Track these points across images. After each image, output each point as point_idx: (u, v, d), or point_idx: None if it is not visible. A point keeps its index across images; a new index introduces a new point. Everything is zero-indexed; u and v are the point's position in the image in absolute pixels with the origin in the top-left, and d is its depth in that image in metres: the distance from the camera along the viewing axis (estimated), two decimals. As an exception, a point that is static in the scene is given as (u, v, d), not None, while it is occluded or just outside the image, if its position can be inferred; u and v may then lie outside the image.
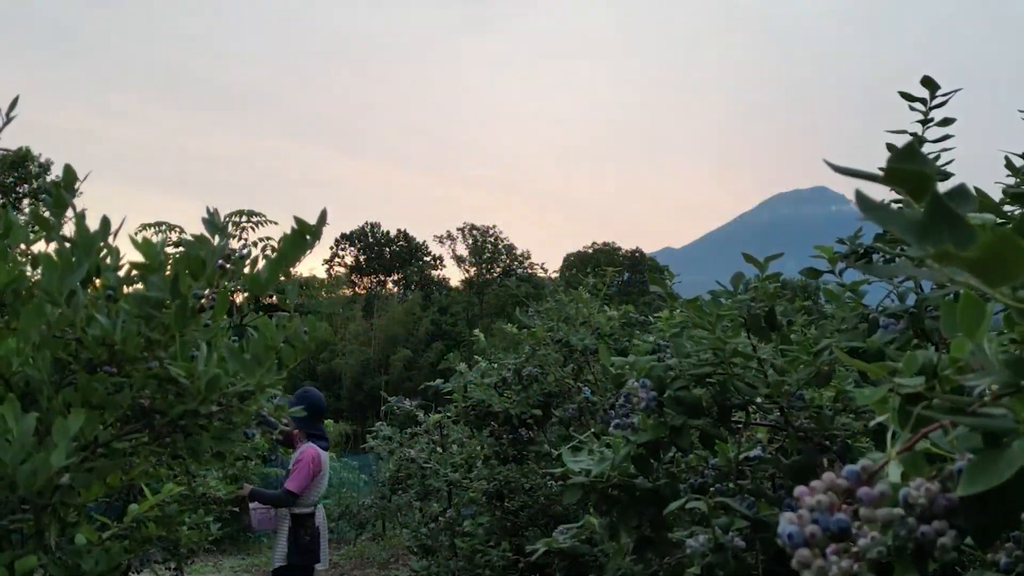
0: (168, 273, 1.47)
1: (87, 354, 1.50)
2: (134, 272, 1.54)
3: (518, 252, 44.60)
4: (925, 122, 1.65)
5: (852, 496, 0.68)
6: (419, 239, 46.13)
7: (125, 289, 1.59)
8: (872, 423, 0.82)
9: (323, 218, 1.53)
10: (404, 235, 45.82)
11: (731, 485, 1.70)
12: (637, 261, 48.46)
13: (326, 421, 9.89)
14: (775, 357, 1.53)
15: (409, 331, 33.21)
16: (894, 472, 0.72)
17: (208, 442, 1.70)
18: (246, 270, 1.56)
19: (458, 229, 44.42)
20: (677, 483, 1.60)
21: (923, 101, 1.64)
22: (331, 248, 44.04)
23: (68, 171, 1.76)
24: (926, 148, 1.71)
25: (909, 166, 0.69)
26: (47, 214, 1.75)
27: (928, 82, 1.60)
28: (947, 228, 0.57)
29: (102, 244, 1.57)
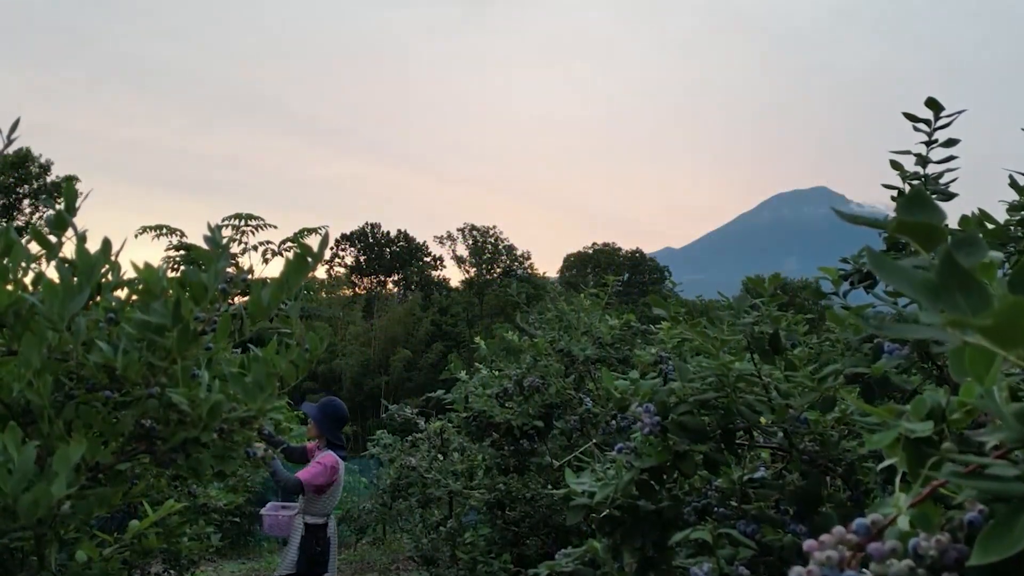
0: (170, 294, 1.47)
1: (87, 372, 1.50)
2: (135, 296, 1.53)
3: (518, 252, 44.59)
4: (930, 143, 1.64)
5: (862, 549, 0.67)
6: (419, 240, 46.12)
7: (129, 296, 1.59)
8: (881, 466, 0.82)
9: (325, 241, 1.52)
10: (404, 235, 45.80)
11: (734, 503, 1.69)
12: (637, 261, 48.47)
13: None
14: (779, 381, 1.52)
15: (409, 332, 33.20)
16: (903, 520, 0.72)
17: (209, 461, 1.70)
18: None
19: (458, 230, 44.40)
20: (680, 505, 1.59)
21: (927, 122, 1.63)
22: (331, 249, 44.03)
23: (70, 190, 1.75)
24: (930, 168, 1.71)
25: (919, 218, 0.68)
26: (48, 232, 1.74)
27: (932, 103, 1.59)
28: (959, 289, 0.57)
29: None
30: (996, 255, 0.90)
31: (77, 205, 1.77)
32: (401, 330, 32.78)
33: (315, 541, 4.20)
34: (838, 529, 0.66)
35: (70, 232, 1.71)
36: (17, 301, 1.54)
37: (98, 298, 1.63)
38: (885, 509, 0.69)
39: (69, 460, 1.21)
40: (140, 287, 1.53)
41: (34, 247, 1.74)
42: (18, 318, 1.58)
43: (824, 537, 0.66)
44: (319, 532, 4.24)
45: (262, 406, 1.42)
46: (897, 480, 0.78)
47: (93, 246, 1.57)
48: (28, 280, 1.61)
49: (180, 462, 1.64)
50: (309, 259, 1.43)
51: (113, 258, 1.64)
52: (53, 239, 1.71)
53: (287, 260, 1.45)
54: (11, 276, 1.59)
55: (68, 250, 1.69)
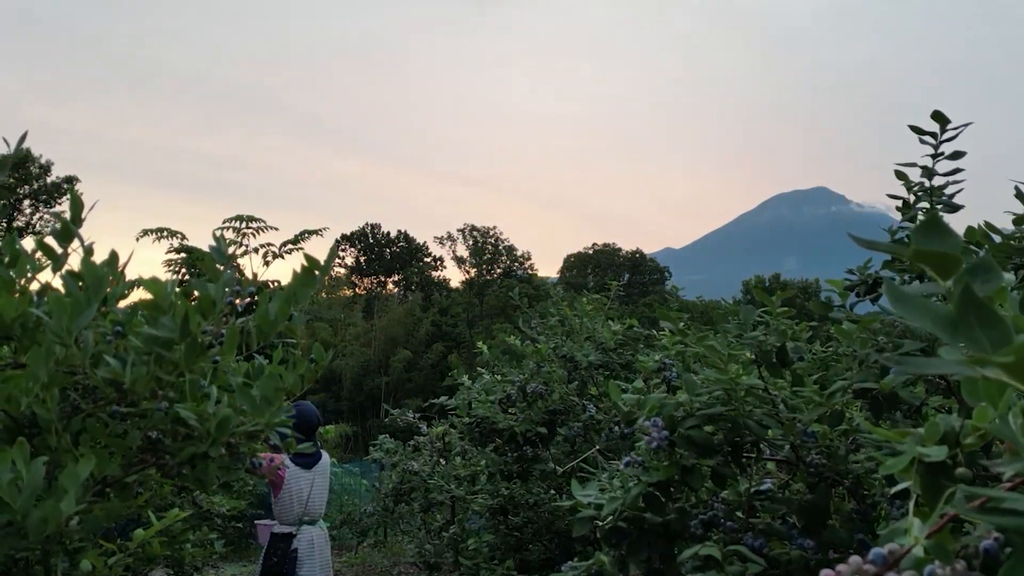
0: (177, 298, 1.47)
1: (94, 382, 1.50)
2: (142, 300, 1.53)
3: (518, 253, 44.58)
4: (936, 156, 1.64)
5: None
6: (419, 240, 46.10)
7: (135, 306, 1.59)
8: (894, 489, 0.82)
9: (332, 254, 1.52)
10: (404, 236, 45.79)
11: (740, 514, 1.69)
12: (637, 262, 48.46)
13: (326, 427, 9.82)
14: (785, 392, 1.52)
15: (409, 332, 33.20)
16: (918, 548, 0.72)
17: (215, 472, 1.70)
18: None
19: (458, 230, 44.38)
20: (687, 517, 1.59)
21: (934, 135, 1.63)
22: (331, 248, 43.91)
23: (75, 200, 1.75)
24: (937, 180, 1.71)
25: (935, 247, 0.68)
26: (54, 243, 1.74)
27: (938, 116, 1.59)
28: (979, 323, 0.57)
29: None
30: (1009, 277, 0.91)
31: (83, 216, 1.77)
32: (401, 330, 32.79)
33: (272, 551, 4.02)
34: (855, 559, 0.66)
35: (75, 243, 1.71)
36: (24, 313, 1.53)
37: (104, 308, 1.62)
38: (901, 538, 0.69)
39: (78, 477, 1.21)
40: (146, 300, 1.53)
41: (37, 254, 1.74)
42: (25, 330, 1.57)
43: (840, 567, 0.66)
44: (280, 542, 4.04)
45: (270, 420, 1.42)
46: (911, 505, 0.78)
47: (96, 246, 1.57)
48: (34, 287, 1.61)
49: (187, 473, 1.64)
50: (316, 272, 1.43)
51: (119, 269, 1.64)
52: (59, 249, 1.71)
53: (294, 272, 1.45)
54: (17, 287, 1.59)
55: (73, 260, 1.69)
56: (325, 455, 4.45)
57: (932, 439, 0.81)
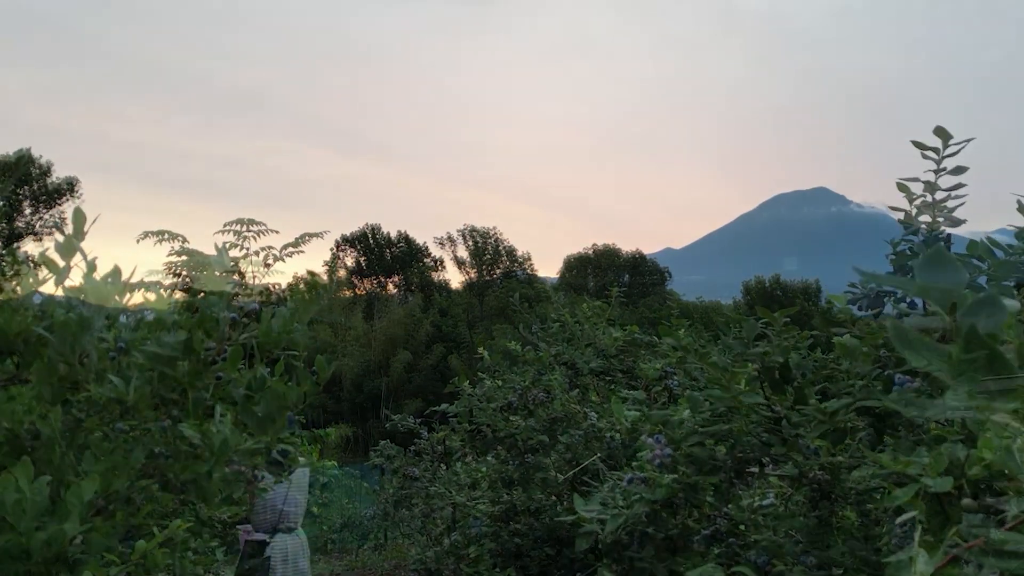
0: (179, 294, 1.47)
1: (97, 397, 1.50)
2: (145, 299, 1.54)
3: (519, 254, 44.57)
4: (938, 171, 1.65)
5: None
6: (420, 241, 46.07)
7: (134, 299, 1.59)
8: (900, 519, 0.82)
9: (334, 269, 1.53)
10: (405, 237, 45.76)
11: (743, 528, 1.69)
12: (638, 263, 48.44)
13: (327, 429, 9.80)
14: (790, 412, 1.52)
15: (409, 333, 33.20)
16: (923, 581, 0.72)
17: (218, 485, 1.70)
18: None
19: (458, 231, 44.34)
20: (690, 532, 1.59)
21: (936, 150, 1.63)
22: (331, 250, 43.92)
23: (77, 216, 1.75)
24: (939, 195, 1.71)
25: (939, 282, 0.68)
26: (57, 257, 1.74)
27: (941, 132, 1.60)
28: (985, 366, 0.57)
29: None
30: (1013, 304, 0.91)
31: (86, 229, 1.78)
32: (401, 332, 32.78)
33: (245, 557, 4.02)
34: (860, 595, 0.67)
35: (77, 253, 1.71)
36: (26, 329, 1.54)
37: (107, 321, 1.63)
38: (905, 572, 0.69)
39: (82, 497, 1.21)
40: (146, 304, 1.54)
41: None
42: (28, 345, 1.58)
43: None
44: (251, 548, 4.05)
45: (273, 438, 1.42)
46: (916, 535, 0.78)
47: (96, 248, 1.57)
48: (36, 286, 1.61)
49: (189, 488, 1.65)
50: (320, 292, 1.44)
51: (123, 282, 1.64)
52: (61, 263, 1.71)
53: (297, 286, 1.45)
54: (19, 301, 1.59)
55: (75, 273, 1.69)
56: (304, 467, 4.39)
57: (937, 469, 0.81)
